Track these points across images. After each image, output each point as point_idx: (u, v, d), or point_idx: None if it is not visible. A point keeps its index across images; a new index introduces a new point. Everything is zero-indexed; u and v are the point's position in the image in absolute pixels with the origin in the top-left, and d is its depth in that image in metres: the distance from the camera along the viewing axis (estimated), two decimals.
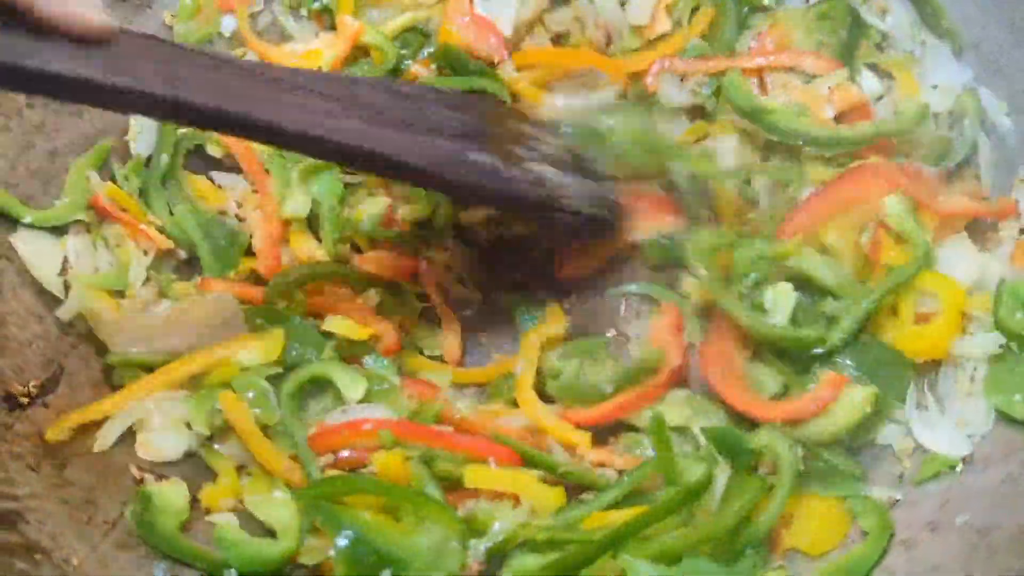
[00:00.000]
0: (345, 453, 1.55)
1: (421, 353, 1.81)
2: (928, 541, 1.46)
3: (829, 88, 1.87)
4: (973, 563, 1.38)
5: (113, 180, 1.83)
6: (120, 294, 1.74)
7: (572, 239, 1.85)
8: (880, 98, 1.96)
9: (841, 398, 1.57)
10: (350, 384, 1.61)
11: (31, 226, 1.71)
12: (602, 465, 1.60)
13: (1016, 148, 1.82)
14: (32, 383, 1.58)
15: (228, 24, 2.03)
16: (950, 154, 1.84)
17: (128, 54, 1.22)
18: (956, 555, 1.40)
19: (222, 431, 1.60)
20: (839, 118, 1.86)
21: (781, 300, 1.66)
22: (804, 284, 1.68)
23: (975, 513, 1.45)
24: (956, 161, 1.84)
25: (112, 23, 1.19)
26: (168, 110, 1.28)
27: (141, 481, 1.56)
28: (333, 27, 2.00)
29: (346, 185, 1.87)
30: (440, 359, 1.81)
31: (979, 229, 1.77)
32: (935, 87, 1.92)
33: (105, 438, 1.58)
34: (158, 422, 1.60)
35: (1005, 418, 1.57)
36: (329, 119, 1.42)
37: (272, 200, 1.85)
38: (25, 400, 1.56)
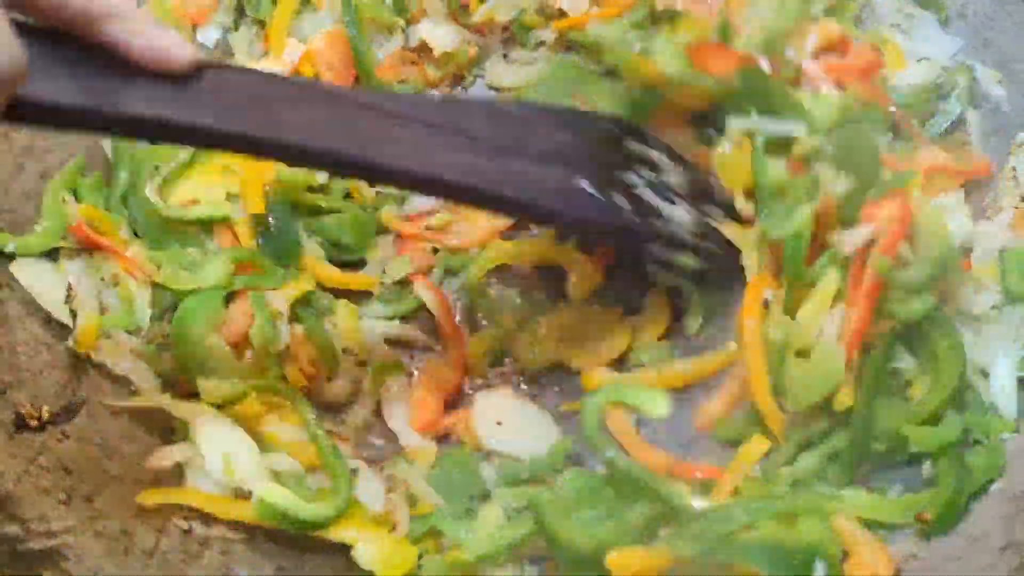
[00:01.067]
0: None
1: None
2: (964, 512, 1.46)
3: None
4: (1014, 530, 1.39)
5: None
6: None
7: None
8: None
9: None
10: None
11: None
12: None
13: (1011, 116, 1.84)
14: (45, 408, 1.54)
15: (211, 35, 1.98)
16: (931, 123, 1.86)
17: (214, 91, 1.17)
18: (995, 524, 1.41)
19: None
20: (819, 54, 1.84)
21: None
22: None
23: (1010, 479, 1.46)
24: (938, 132, 1.85)
25: (199, 58, 1.14)
26: (259, 150, 1.23)
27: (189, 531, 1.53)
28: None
29: None
30: None
31: (979, 198, 1.80)
32: (922, 60, 1.94)
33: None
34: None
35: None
36: (438, 155, 1.36)
37: None
38: (34, 423, 1.52)
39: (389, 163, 1.31)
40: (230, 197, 1.77)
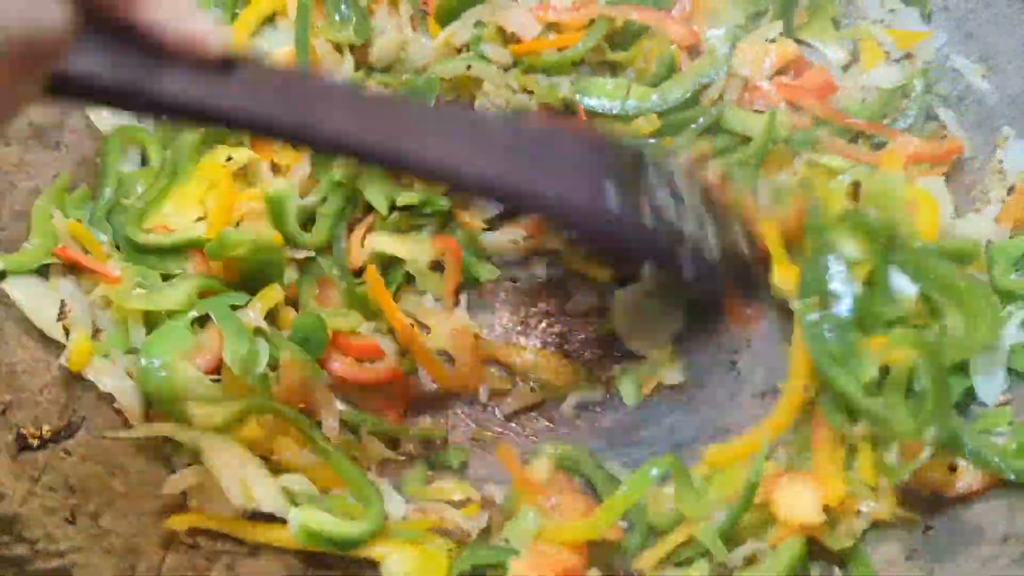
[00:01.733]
0: None
1: None
2: (965, 503, 1.48)
3: (767, 41, 1.91)
4: (1015, 521, 1.41)
5: None
6: None
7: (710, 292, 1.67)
8: (847, 67, 2.00)
9: None
10: None
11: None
12: None
13: (995, 109, 1.86)
14: (46, 427, 1.53)
15: None
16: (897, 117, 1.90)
17: (248, 80, 1.16)
18: (997, 514, 1.44)
19: None
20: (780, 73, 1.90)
21: None
22: None
23: None
24: (905, 126, 1.89)
25: (231, 46, 1.13)
26: (291, 136, 1.23)
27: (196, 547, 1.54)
28: None
29: None
30: None
31: (966, 192, 1.82)
32: (908, 56, 1.96)
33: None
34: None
35: (1014, 374, 1.60)
36: (475, 154, 1.36)
37: None
38: (35, 442, 1.51)
39: (424, 154, 1.31)
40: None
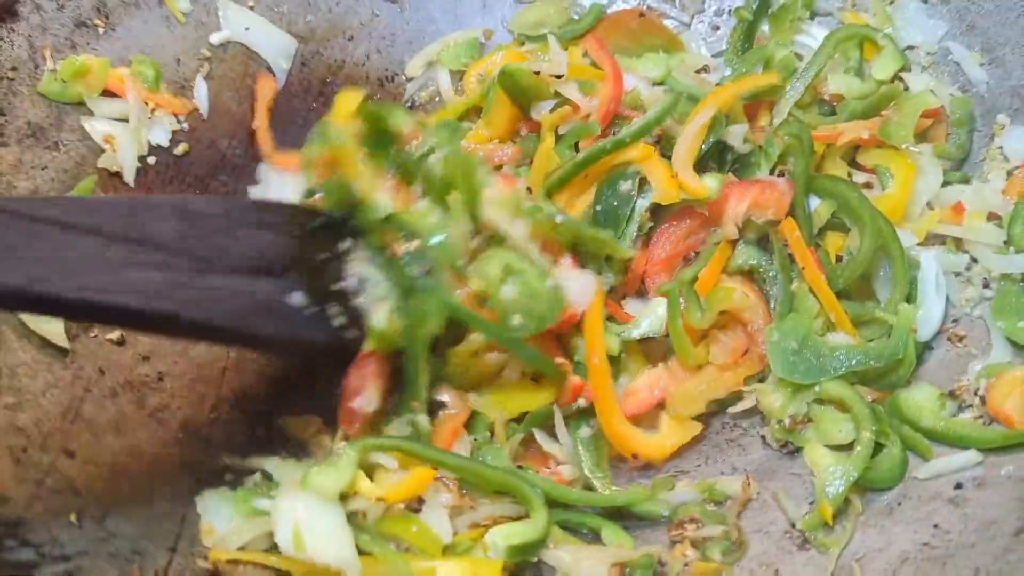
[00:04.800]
0: None
1: None
2: (977, 497, 1.48)
3: None
4: None
5: None
6: None
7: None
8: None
9: None
10: None
11: None
12: None
13: (994, 98, 1.87)
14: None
15: None
16: None
17: None
18: (1008, 508, 1.44)
19: None
20: None
21: None
22: None
23: (1018, 463, 1.49)
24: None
25: None
26: None
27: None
28: None
29: None
30: None
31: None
32: (911, 48, 1.96)
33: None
34: None
35: (1013, 345, 1.63)
36: (121, 275, 1.16)
37: None
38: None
39: (59, 294, 1.11)
40: None
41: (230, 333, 1.26)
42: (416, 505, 1.55)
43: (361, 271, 1.54)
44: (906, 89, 1.88)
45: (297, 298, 1.35)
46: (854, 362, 1.63)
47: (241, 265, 1.29)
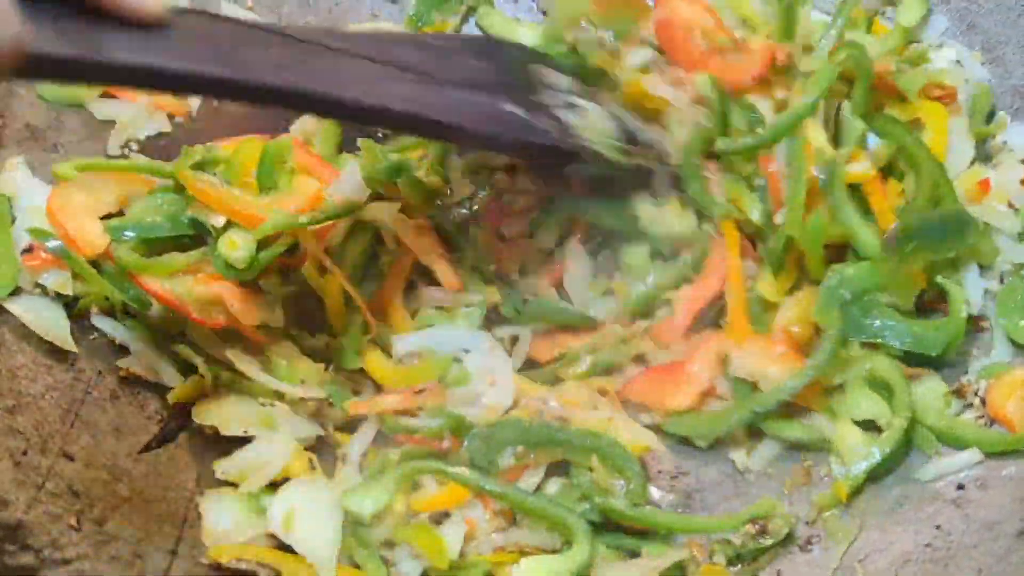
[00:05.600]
0: None
1: None
2: (979, 499, 1.48)
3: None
4: None
5: None
6: None
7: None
8: None
9: None
10: None
11: None
12: None
13: (994, 96, 1.85)
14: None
15: None
16: None
17: (185, 37, 1.20)
18: (1011, 509, 1.43)
19: None
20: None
21: None
22: None
23: (1020, 464, 1.49)
24: None
25: (166, 6, 1.16)
26: (229, 91, 1.29)
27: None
28: None
29: None
30: None
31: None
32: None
33: None
34: None
35: (1013, 344, 1.61)
36: (383, 87, 1.44)
37: None
38: None
39: (344, 96, 1.38)
40: None
41: (464, 132, 1.53)
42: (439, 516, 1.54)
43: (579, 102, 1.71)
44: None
45: (510, 107, 1.59)
46: (902, 342, 1.57)
47: (463, 83, 1.56)
